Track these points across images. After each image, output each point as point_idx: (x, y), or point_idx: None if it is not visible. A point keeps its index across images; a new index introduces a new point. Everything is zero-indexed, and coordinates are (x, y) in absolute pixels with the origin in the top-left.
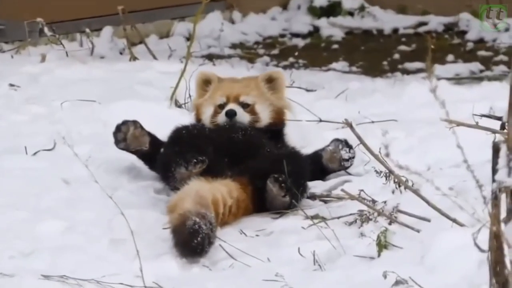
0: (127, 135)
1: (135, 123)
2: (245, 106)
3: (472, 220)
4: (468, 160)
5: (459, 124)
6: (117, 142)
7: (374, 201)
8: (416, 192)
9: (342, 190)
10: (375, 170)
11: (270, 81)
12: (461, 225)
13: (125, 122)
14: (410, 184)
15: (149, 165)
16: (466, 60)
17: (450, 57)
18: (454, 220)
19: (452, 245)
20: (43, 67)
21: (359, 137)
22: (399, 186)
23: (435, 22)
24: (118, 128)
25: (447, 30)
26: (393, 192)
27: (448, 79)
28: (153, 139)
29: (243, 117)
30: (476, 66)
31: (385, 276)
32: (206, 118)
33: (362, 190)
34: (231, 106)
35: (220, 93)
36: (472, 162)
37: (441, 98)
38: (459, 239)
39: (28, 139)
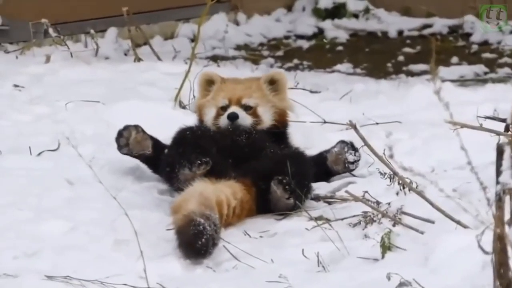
0: (129, 140)
1: (136, 127)
2: (247, 108)
3: (476, 222)
4: (472, 162)
5: (463, 126)
6: (119, 148)
7: (378, 203)
8: (420, 193)
9: (346, 191)
10: (379, 172)
11: (272, 82)
12: (465, 227)
13: (126, 127)
14: (414, 185)
15: (152, 168)
16: (471, 62)
17: (454, 59)
18: (458, 222)
19: (456, 247)
20: (48, 67)
21: (363, 139)
22: (403, 187)
23: (440, 24)
24: (120, 134)
25: (452, 32)
26: (397, 193)
27: (453, 81)
28: (156, 142)
29: (245, 119)
30: (480, 68)
31: (389, 278)
32: (209, 119)
33: (366, 192)
34: (233, 109)
35: (222, 95)
36: (476, 164)
37: (445, 100)
38: (463, 241)
39: (31, 139)
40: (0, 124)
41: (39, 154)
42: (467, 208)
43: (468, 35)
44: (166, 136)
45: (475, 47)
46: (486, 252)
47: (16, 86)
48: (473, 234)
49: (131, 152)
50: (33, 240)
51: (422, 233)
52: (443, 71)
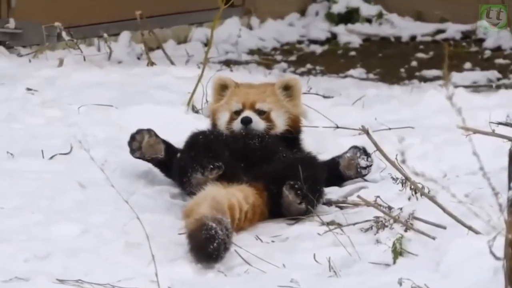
0: (142, 143)
1: (149, 131)
2: (261, 113)
3: (487, 228)
4: (484, 168)
5: (475, 131)
6: (132, 151)
7: (390, 208)
8: (432, 199)
9: (358, 196)
10: (392, 177)
11: (287, 88)
12: (477, 232)
13: (139, 131)
14: (426, 191)
15: (165, 172)
16: (484, 68)
17: (467, 65)
18: (469, 228)
19: (467, 252)
20: (60, 71)
21: (375, 144)
22: (415, 193)
23: (453, 29)
24: (133, 137)
25: (465, 37)
26: (409, 198)
27: (465, 86)
28: (168, 146)
29: (258, 124)
30: (493, 74)
31: (400, 283)
32: (222, 124)
33: (378, 197)
34: (247, 113)
35: (236, 99)
36: (488, 170)
37: (458, 105)
38: (474, 247)
39: (44, 142)
40: (13, 127)
41: (52, 157)
42: (478, 213)
43: (481, 40)
44: (178, 140)
45: (488, 53)
46: (497, 258)
47: (28, 89)
48: (485, 239)
49: (144, 155)
50: (44, 243)
51: (433, 238)
52: (455, 76)
